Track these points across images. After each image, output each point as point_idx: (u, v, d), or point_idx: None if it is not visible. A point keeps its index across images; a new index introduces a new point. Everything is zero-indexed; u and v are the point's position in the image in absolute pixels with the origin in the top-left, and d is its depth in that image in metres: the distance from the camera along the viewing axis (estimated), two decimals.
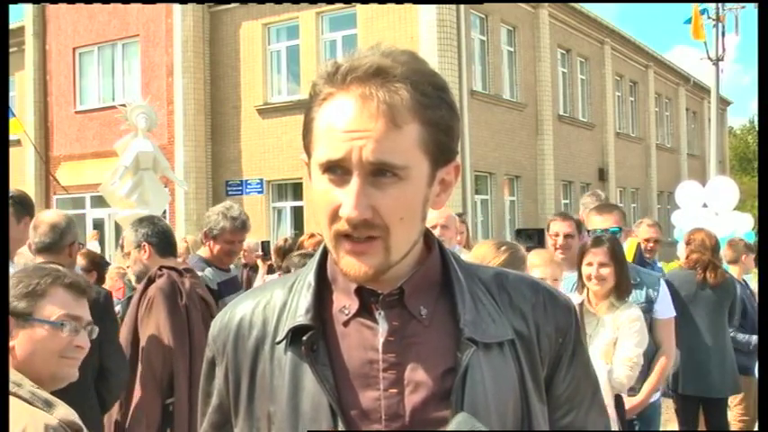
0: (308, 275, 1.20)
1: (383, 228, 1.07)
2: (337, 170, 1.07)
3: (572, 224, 4.83)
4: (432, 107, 1.09)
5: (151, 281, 3.57)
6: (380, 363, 1.12)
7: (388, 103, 1.06)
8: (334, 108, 1.08)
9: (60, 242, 3.35)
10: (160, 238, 3.79)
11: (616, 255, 3.72)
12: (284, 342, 1.16)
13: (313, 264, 1.22)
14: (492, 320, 1.16)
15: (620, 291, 3.71)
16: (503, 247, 3.19)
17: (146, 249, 3.76)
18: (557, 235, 4.73)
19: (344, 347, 1.14)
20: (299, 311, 1.16)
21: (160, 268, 3.60)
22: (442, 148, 1.12)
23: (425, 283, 1.17)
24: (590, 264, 3.71)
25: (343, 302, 1.17)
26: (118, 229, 14.38)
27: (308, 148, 1.14)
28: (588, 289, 3.76)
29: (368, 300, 1.15)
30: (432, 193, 1.14)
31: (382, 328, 1.14)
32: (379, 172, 1.06)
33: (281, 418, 1.14)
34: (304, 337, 1.13)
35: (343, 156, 1.05)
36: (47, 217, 3.46)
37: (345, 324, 1.16)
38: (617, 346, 3.62)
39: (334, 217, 1.08)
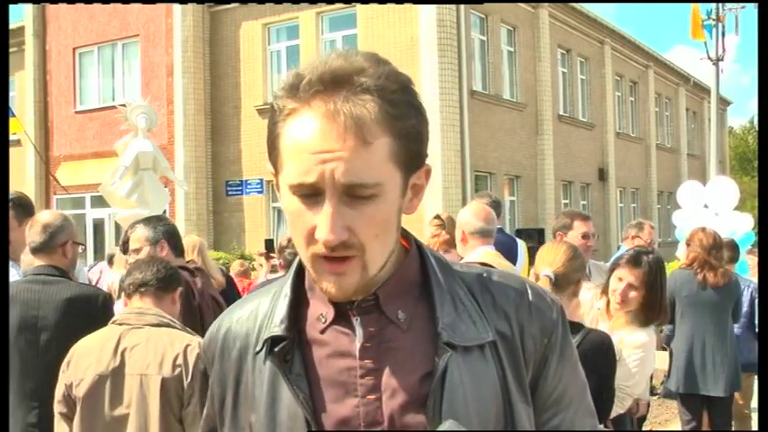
0: (285, 285, 1.19)
1: (359, 247, 1.05)
2: (309, 192, 1.04)
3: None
4: (401, 117, 1.05)
5: None
6: (357, 369, 1.11)
7: (355, 118, 1.01)
8: (299, 126, 1.04)
9: (51, 242, 3.32)
10: (175, 238, 3.75)
11: (649, 281, 3.43)
12: (263, 352, 1.15)
13: (290, 273, 1.20)
14: (472, 322, 1.13)
15: (645, 317, 3.43)
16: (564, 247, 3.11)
17: (164, 247, 3.68)
18: (585, 236, 4.52)
19: (322, 356, 1.13)
20: (275, 322, 1.15)
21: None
22: (412, 157, 1.09)
23: (402, 286, 1.15)
24: (620, 279, 3.47)
25: (320, 310, 1.15)
26: (118, 229, 14.38)
27: (274, 163, 1.11)
28: (608, 299, 3.54)
29: (344, 306, 1.13)
30: (405, 201, 1.12)
31: (358, 334, 1.12)
32: (352, 192, 1.03)
33: (259, 428, 1.13)
34: (276, 348, 1.13)
35: (315, 179, 1.03)
36: (41, 217, 3.44)
37: (322, 332, 1.14)
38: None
39: (310, 239, 1.06)
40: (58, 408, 2.83)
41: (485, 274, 1.21)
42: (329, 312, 1.14)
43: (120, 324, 2.87)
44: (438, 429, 1.07)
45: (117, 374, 2.75)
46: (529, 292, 1.20)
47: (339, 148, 1.02)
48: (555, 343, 1.19)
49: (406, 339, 1.12)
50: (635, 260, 3.50)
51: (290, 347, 1.13)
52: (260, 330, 1.18)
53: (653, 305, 3.46)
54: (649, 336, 3.45)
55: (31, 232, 3.35)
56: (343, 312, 1.14)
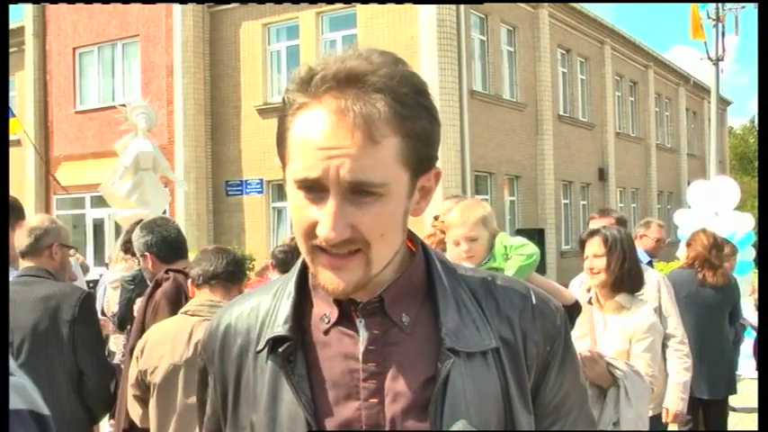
0: (289, 283, 1.18)
1: (364, 242, 1.04)
2: (313, 188, 1.03)
3: (612, 220, 4.64)
4: (411, 118, 1.04)
5: (158, 285, 3.57)
6: (360, 372, 1.10)
7: (365, 116, 1.00)
8: (308, 121, 1.03)
9: (36, 245, 3.33)
10: (161, 246, 3.73)
11: (611, 245, 3.48)
12: (264, 351, 1.14)
13: (294, 271, 1.19)
14: (476, 328, 1.13)
15: (623, 285, 3.45)
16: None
17: (148, 258, 3.75)
18: None
19: (325, 357, 1.12)
20: (278, 321, 1.14)
21: (167, 271, 3.59)
22: (421, 159, 1.08)
23: (407, 288, 1.14)
24: (586, 257, 3.55)
25: (324, 310, 1.14)
26: (118, 229, 14.39)
27: (282, 158, 1.10)
28: (593, 287, 3.56)
29: (348, 308, 1.12)
30: (412, 202, 1.11)
31: (362, 336, 1.11)
32: (358, 190, 1.02)
33: (259, 428, 1.12)
34: (280, 349, 1.12)
35: (319, 175, 1.01)
36: (30, 221, 3.47)
37: (326, 333, 1.13)
38: (632, 359, 3.30)
39: (311, 234, 1.05)
40: (131, 390, 2.99)
41: (489, 279, 1.21)
42: (333, 313, 1.13)
43: (193, 315, 2.96)
44: (451, 430, 1.06)
45: (190, 365, 2.83)
46: (533, 297, 1.19)
47: (346, 146, 1.01)
48: (557, 350, 1.18)
49: (409, 343, 1.12)
50: (590, 232, 3.64)
51: (294, 348, 1.12)
52: (261, 328, 1.17)
53: (627, 269, 3.45)
54: (654, 316, 3.46)
55: (19, 236, 3.36)
56: (346, 313, 1.13)
